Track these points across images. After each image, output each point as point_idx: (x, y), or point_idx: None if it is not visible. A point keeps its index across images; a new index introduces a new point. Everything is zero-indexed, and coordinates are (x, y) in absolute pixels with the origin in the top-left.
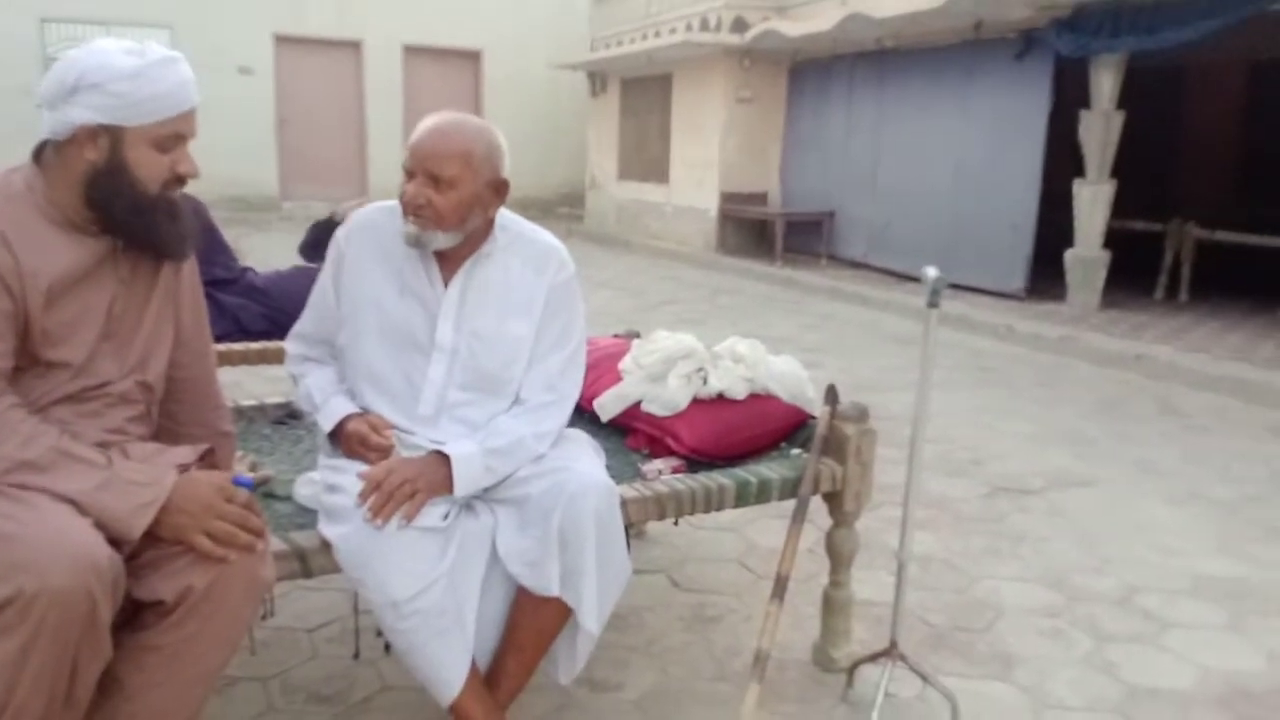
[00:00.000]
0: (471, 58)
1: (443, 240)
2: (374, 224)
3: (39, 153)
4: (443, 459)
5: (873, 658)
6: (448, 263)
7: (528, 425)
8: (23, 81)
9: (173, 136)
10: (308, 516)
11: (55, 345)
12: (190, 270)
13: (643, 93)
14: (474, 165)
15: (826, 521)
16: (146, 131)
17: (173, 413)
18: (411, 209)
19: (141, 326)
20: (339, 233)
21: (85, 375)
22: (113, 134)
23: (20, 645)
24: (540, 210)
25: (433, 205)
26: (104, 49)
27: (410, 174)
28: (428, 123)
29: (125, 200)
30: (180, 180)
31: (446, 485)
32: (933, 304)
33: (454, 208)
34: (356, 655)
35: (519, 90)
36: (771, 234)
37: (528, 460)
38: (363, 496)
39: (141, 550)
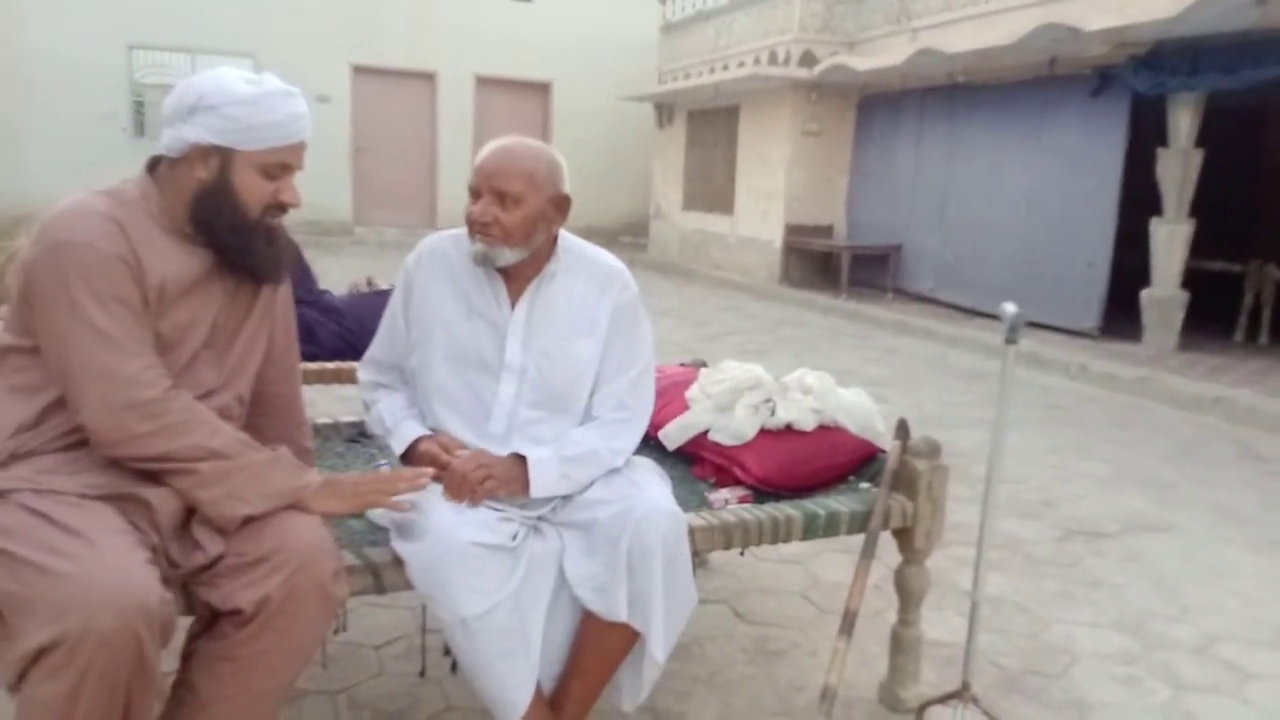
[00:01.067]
0: (541, 89)
1: (509, 256)
2: (441, 250)
3: (153, 165)
4: (519, 460)
5: (944, 699)
6: (514, 284)
7: (601, 438)
8: (111, 108)
9: (279, 165)
10: (380, 534)
11: (165, 350)
12: (285, 292)
13: (709, 124)
14: (537, 182)
15: (894, 558)
16: (255, 157)
17: (259, 427)
18: (479, 227)
19: (239, 339)
20: (408, 259)
21: (187, 383)
22: (224, 155)
23: (69, 687)
24: (604, 239)
25: (499, 222)
26: (225, 75)
27: (476, 194)
28: (491, 145)
29: (226, 219)
30: (282, 208)
31: (522, 484)
32: (1011, 340)
33: (520, 223)
34: (423, 673)
35: (587, 121)
36: (836, 266)
37: (601, 472)
38: (445, 482)
39: (222, 558)
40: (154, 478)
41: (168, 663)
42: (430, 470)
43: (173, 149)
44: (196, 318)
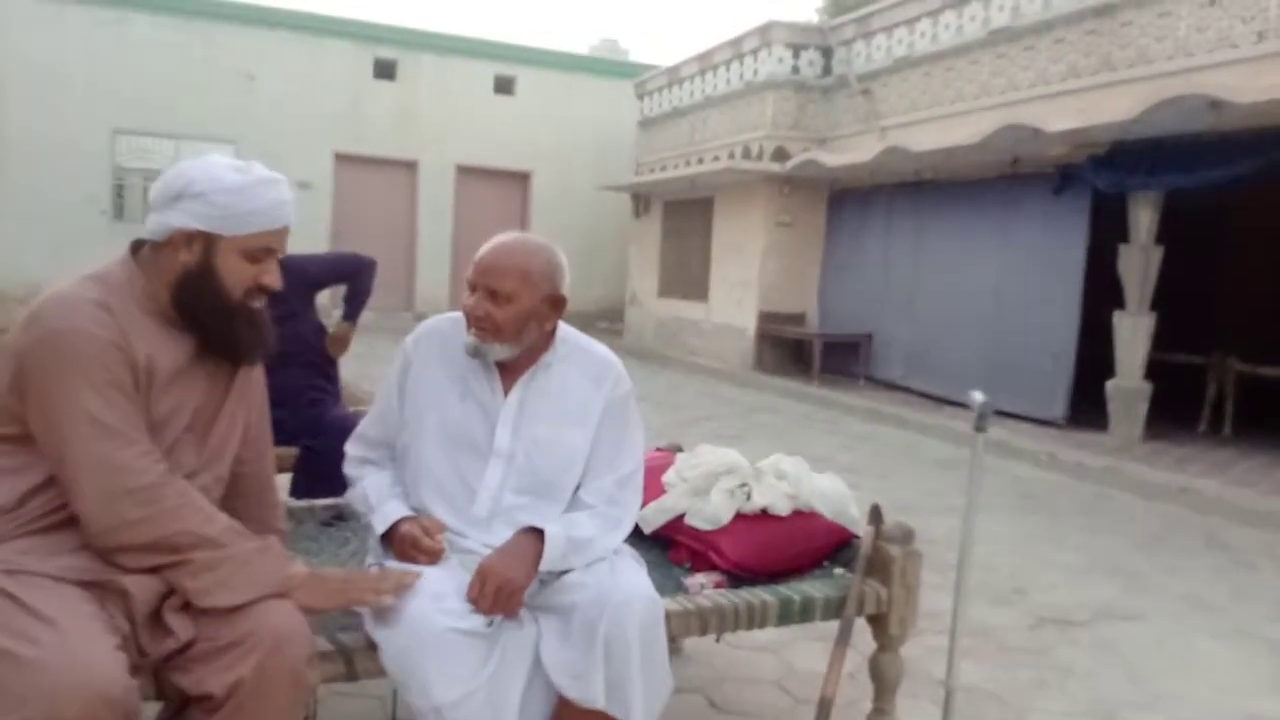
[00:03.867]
0: (521, 178)
1: (500, 351)
2: (440, 332)
3: (135, 248)
4: (531, 536)
5: None
6: (509, 373)
7: (598, 530)
8: (93, 191)
9: (263, 249)
10: (353, 619)
11: (153, 434)
12: (259, 372)
13: (685, 214)
14: (531, 281)
15: (868, 646)
16: (239, 242)
17: (234, 509)
18: (473, 320)
19: (218, 422)
20: (407, 340)
21: (169, 467)
22: (207, 240)
23: None
24: (580, 323)
25: (491, 318)
26: (213, 163)
27: (473, 287)
28: (493, 241)
29: (209, 302)
30: (262, 290)
31: (535, 565)
32: (980, 428)
33: (511, 320)
34: None
35: (565, 209)
36: (809, 354)
37: (587, 561)
38: (472, 601)
39: (194, 643)
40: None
41: None
42: (418, 571)
43: (157, 233)
44: (181, 403)
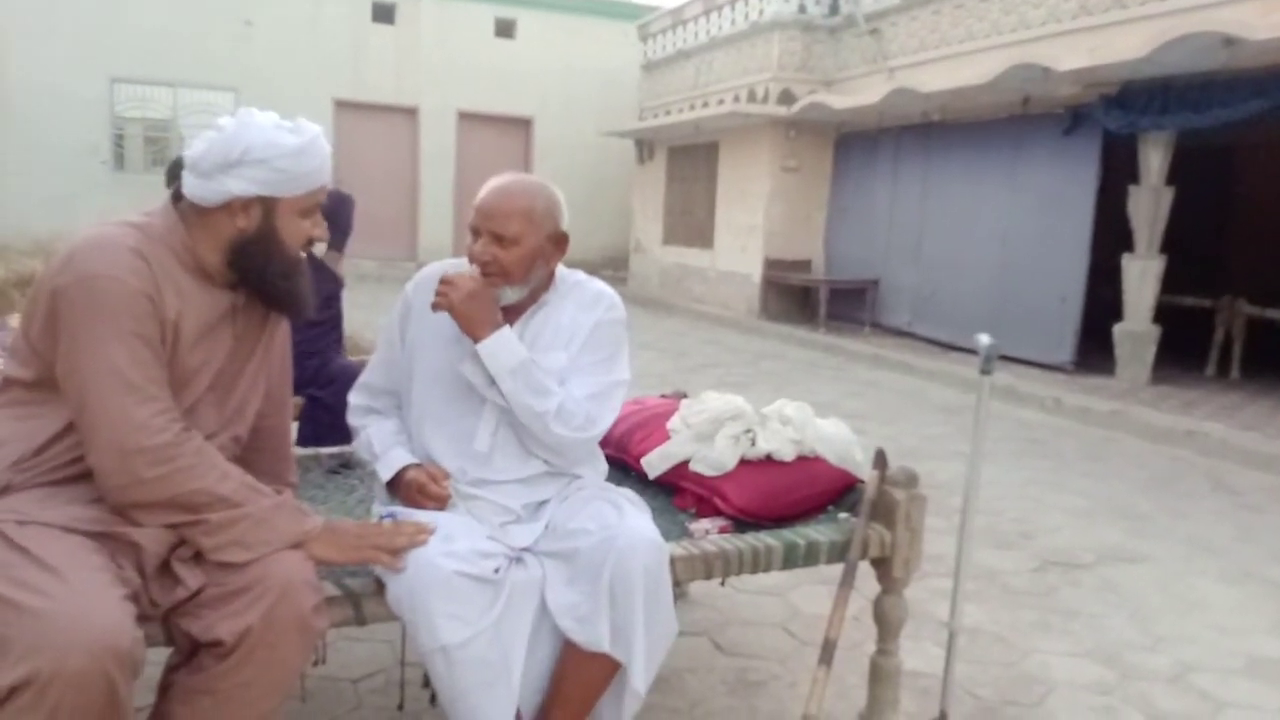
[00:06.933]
0: (523, 124)
1: (510, 295)
2: (440, 277)
3: (176, 199)
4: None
5: None
6: (509, 313)
7: (570, 400)
8: (94, 141)
9: (313, 205)
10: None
11: (176, 391)
12: (284, 331)
13: (689, 160)
14: (535, 221)
15: (872, 589)
16: (296, 202)
17: (251, 461)
18: (480, 266)
19: (240, 382)
20: (408, 285)
21: (188, 425)
22: (266, 204)
23: None
24: (584, 272)
25: (499, 261)
26: (265, 125)
27: (476, 233)
28: (490, 184)
29: (276, 265)
30: (310, 242)
31: (492, 320)
32: (985, 371)
33: (518, 262)
34: (401, 707)
35: (568, 156)
36: (815, 300)
37: (537, 410)
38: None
39: (203, 589)
40: None
41: (144, 696)
42: (431, 526)
43: (211, 199)
44: (205, 361)
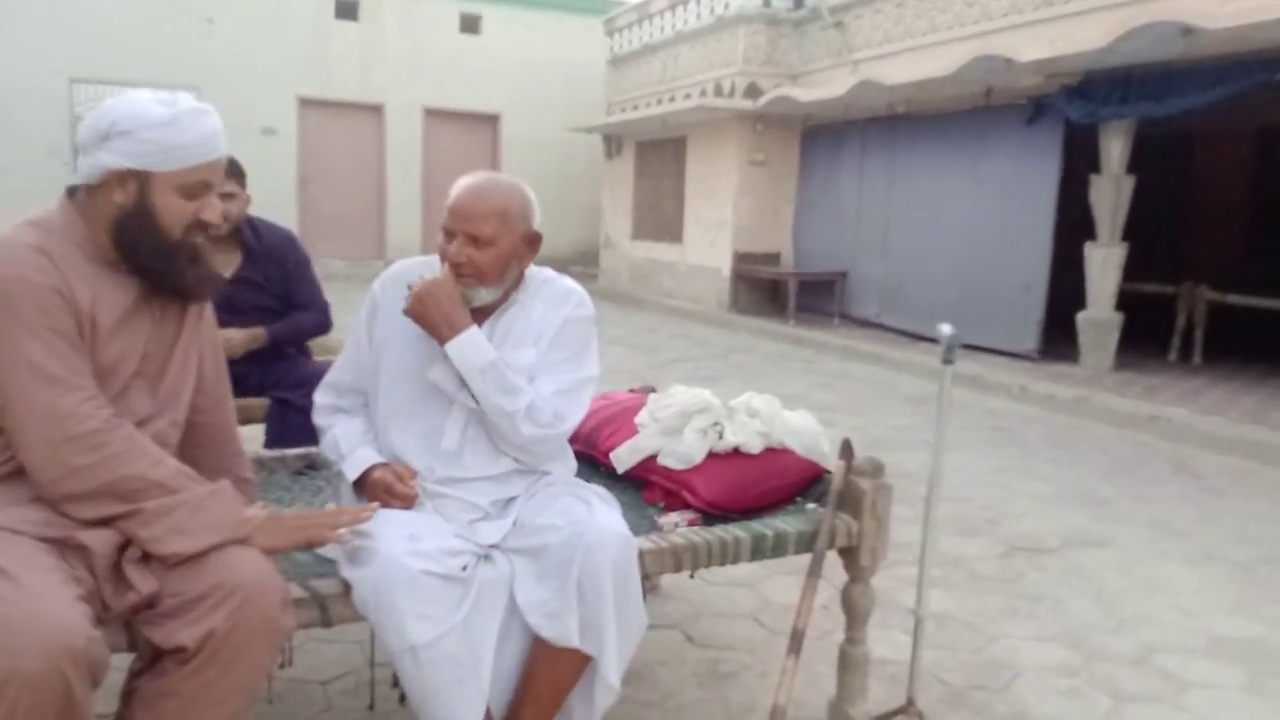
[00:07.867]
0: (490, 120)
1: (485, 295)
2: (408, 275)
3: (72, 193)
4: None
5: (890, 716)
6: (479, 312)
7: (539, 398)
8: (53, 140)
9: (199, 184)
10: (326, 566)
11: (99, 381)
12: (209, 315)
13: (657, 154)
14: (509, 221)
15: (841, 578)
16: (173, 178)
17: (195, 458)
18: (454, 267)
19: (170, 366)
20: (375, 284)
21: (121, 412)
22: (141, 179)
23: None
24: (554, 268)
25: (474, 263)
26: (137, 98)
27: (450, 234)
28: (463, 183)
29: (149, 243)
30: (203, 227)
31: (460, 318)
32: (948, 360)
33: (493, 263)
34: (371, 707)
35: (535, 152)
36: (784, 293)
37: (506, 410)
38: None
39: (162, 599)
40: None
41: (107, 702)
42: (375, 505)
43: (89, 176)
44: (128, 347)
